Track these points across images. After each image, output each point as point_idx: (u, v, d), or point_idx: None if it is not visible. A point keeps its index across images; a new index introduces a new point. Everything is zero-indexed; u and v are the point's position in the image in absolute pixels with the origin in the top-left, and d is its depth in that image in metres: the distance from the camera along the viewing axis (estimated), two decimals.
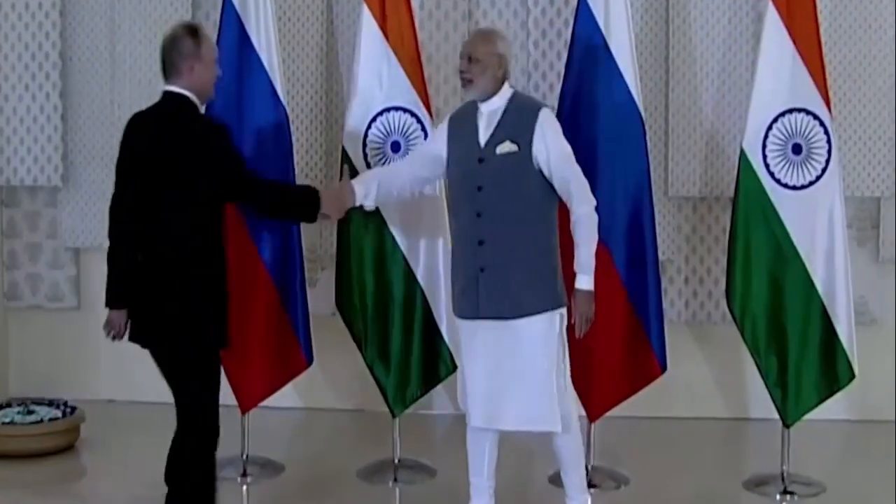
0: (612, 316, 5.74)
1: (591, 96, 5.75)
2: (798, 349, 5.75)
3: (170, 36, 4.71)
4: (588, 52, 5.76)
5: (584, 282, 4.94)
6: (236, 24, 5.86)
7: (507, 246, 4.90)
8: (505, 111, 4.98)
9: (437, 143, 5.17)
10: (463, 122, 5.09)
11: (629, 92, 5.73)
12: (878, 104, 6.65)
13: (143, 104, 4.80)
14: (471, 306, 4.97)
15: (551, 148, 4.90)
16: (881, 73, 6.66)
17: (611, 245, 5.71)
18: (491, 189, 4.91)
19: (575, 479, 5.14)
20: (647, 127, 5.82)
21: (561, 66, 6.17)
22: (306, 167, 6.62)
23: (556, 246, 4.99)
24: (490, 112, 5.00)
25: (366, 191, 5.20)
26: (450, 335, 5.84)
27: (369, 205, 5.25)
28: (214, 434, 4.76)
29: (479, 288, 4.93)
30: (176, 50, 4.66)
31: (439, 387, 6.12)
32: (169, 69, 4.69)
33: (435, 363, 5.92)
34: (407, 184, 5.29)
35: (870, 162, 6.69)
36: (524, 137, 4.90)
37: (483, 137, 4.98)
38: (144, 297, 4.66)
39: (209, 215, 4.70)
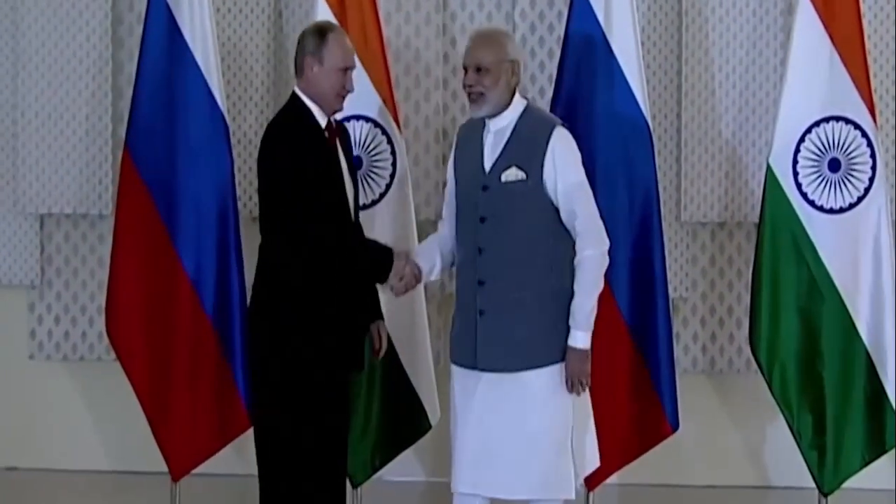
0: (614, 364, 5.75)
1: (589, 103, 5.77)
2: (837, 404, 5.76)
3: (301, 32, 5.14)
4: (585, 51, 5.78)
5: (579, 339, 4.92)
6: (165, 15, 5.88)
7: (511, 288, 4.89)
8: (514, 130, 4.96)
9: (452, 175, 5.18)
10: (469, 140, 5.08)
11: (634, 98, 5.76)
12: None
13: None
14: (467, 354, 4.97)
15: (560, 175, 4.88)
16: None
17: (612, 280, 5.66)
18: (494, 222, 4.91)
19: None
20: (655, 139, 5.84)
21: (553, 68, 6.18)
22: (249, 187, 6.59)
23: (571, 288, 4.97)
24: (498, 130, 4.98)
25: (430, 265, 5.18)
26: (423, 389, 5.84)
27: (434, 278, 5.29)
28: None
29: (478, 334, 4.93)
30: (300, 46, 5.08)
31: (409, 450, 6.10)
32: (296, 66, 5.10)
33: (403, 421, 5.89)
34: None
35: None
36: (533, 163, 4.89)
37: (488, 161, 4.97)
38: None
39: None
